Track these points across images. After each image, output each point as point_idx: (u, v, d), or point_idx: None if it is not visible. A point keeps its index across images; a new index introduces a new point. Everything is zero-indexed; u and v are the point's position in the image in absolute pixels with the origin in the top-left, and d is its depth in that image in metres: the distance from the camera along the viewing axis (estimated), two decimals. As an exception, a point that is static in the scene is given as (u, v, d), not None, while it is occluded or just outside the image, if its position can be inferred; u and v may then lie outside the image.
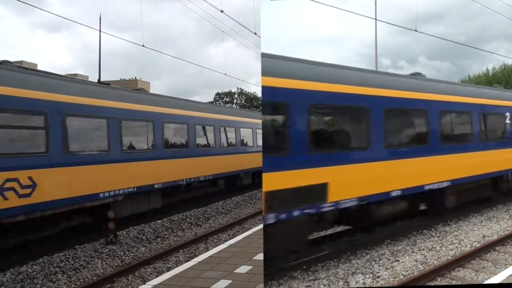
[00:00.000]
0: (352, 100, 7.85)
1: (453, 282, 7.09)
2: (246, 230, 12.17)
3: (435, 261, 7.81)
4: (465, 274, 7.40)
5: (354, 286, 6.83)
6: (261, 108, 8.77)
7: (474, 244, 8.79)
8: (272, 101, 6.73)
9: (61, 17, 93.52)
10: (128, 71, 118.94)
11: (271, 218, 6.48)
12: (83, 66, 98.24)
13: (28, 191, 9.50)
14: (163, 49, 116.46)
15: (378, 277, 7.11)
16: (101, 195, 11.64)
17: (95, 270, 9.51)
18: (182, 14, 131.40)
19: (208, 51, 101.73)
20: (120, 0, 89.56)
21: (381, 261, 7.80)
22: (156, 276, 8.41)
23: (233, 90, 67.83)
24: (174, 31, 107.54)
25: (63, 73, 17.64)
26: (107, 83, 14.78)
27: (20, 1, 10.91)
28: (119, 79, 47.86)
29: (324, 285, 6.81)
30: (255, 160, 20.81)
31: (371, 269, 7.43)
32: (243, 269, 7.66)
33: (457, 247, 8.64)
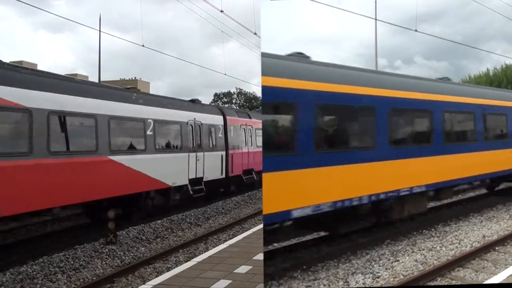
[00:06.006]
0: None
1: (453, 282, 7.09)
2: (246, 230, 12.16)
3: (435, 261, 7.80)
4: (465, 274, 7.40)
5: (354, 286, 6.82)
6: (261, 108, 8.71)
7: (474, 244, 8.79)
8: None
9: (62, 17, 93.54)
10: (130, 71, 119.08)
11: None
12: (86, 66, 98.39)
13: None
14: (166, 49, 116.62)
15: (378, 277, 7.11)
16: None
17: (95, 270, 9.51)
18: (186, 15, 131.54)
19: (211, 52, 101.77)
20: (125, 0, 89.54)
21: (381, 261, 7.79)
22: (156, 276, 8.40)
23: (232, 91, 67.74)
24: (178, 31, 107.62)
25: (64, 73, 17.65)
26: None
27: (22, 2, 10.89)
28: (119, 79, 47.89)
29: (324, 285, 6.80)
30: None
31: (371, 269, 7.43)
32: (243, 269, 7.66)
33: (457, 247, 8.64)
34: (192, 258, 8.97)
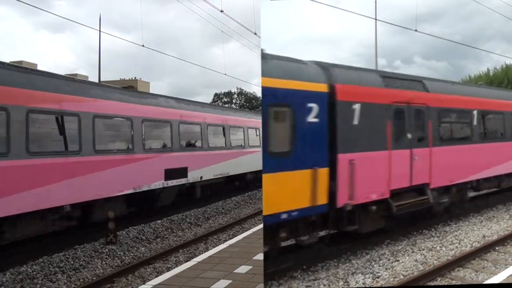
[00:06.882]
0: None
1: (453, 282, 7.09)
2: (246, 230, 12.17)
3: (435, 261, 7.80)
4: (465, 274, 7.40)
5: (354, 286, 6.82)
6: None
7: (474, 244, 8.78)
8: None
9: (62, 17, 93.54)
10: (131, 71, 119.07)
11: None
12: (86, 66, 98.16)
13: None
14: (167, 49, 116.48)
15: (378, 277, 7.11)
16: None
17: (95, 270, 9.51)
18: (186, 15, 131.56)
19: (211, 52, 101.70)
20: (125, 0, 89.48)
21: (381, 261, 7.79)
22: (156, 276, 8.41)
23: (232, 90, 67.73)
24: (178, 31, 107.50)
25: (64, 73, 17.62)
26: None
27: (23, 2, 10.89)
28: (119, 79, 47.91)
29: (324, 285, 6.80)
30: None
31: (371, 269, 7.43)
32: (243, 269, 7.67)
33: (457, 247, 8.63)
34: (192, 258, 8.97)
